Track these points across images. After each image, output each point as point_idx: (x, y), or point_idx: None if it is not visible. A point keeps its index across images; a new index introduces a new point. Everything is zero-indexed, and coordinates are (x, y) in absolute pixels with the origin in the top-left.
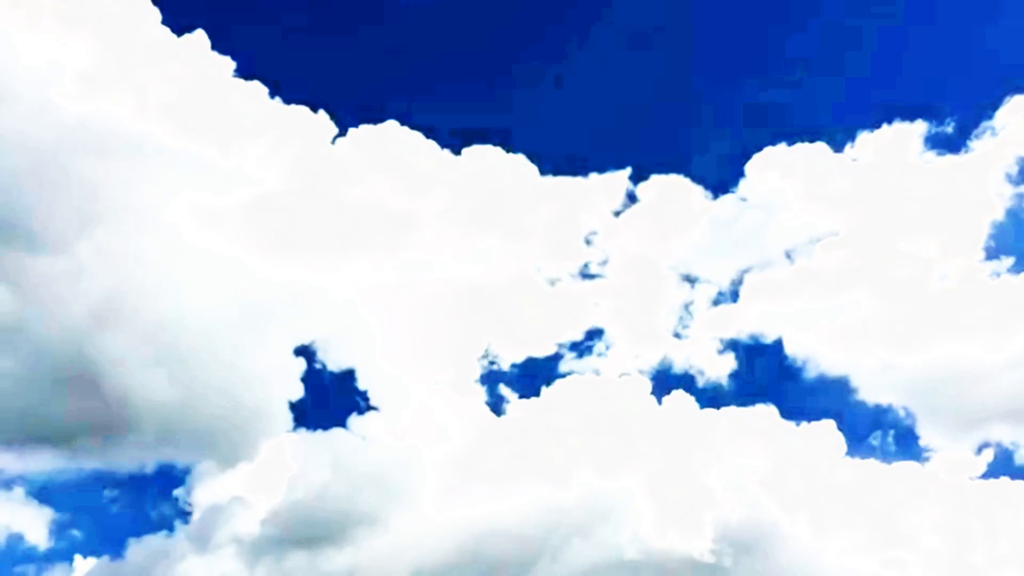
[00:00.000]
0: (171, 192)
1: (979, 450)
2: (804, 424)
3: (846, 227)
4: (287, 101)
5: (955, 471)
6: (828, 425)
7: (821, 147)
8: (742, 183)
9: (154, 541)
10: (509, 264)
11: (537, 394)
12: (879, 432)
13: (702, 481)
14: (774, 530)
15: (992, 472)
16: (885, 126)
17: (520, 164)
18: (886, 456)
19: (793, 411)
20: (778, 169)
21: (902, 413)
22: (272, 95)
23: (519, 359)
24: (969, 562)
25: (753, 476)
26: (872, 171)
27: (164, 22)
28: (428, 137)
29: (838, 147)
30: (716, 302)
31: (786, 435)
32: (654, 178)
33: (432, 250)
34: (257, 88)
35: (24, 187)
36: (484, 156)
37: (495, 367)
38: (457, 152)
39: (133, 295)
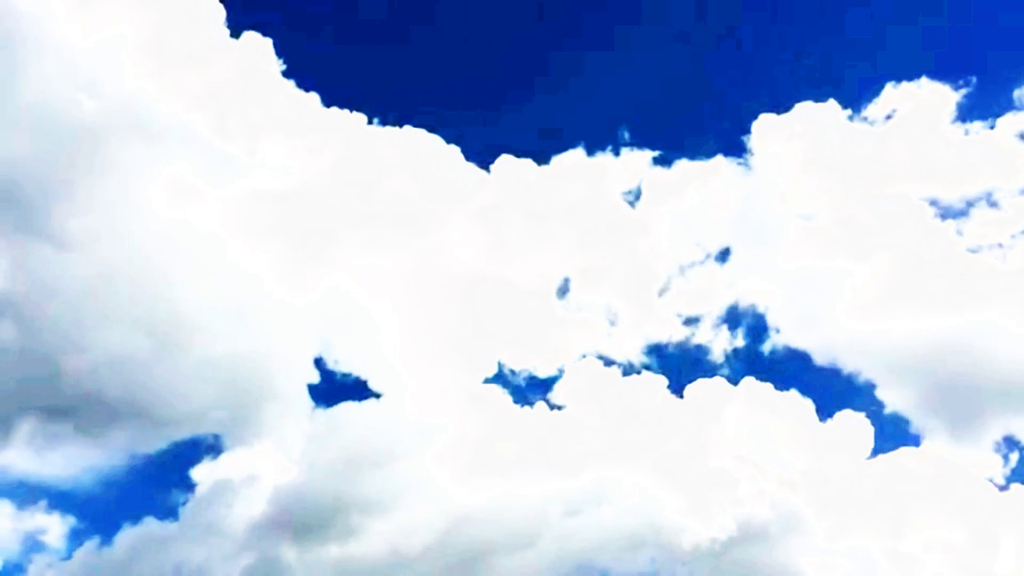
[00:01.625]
0: (194, 181)
1: (1006, 452)
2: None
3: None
4: (330, 104)
5: (972, 463)
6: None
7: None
8: (761, 148)
9: (150, 527)
10: (526, 260)
11: (551, 386)
12: (894, 415)
13: (712, 465)
14: (787, 517)
15: (1016, 473)
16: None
17: (543, 171)
18: (903, 441)
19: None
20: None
21: (919, 396)
22: (321, 99)
23: (533, 353)
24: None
25: (769, 461)
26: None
27: (227, 21)
28: (451, 142)
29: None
30: (726, 280)
31: (812, 423)
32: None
33: (451, 248)
34: (299, 89)
35: (43, 165)
36: (509, 164)
37: (509, 361)
38: (482, 160)
39: (132, 281)
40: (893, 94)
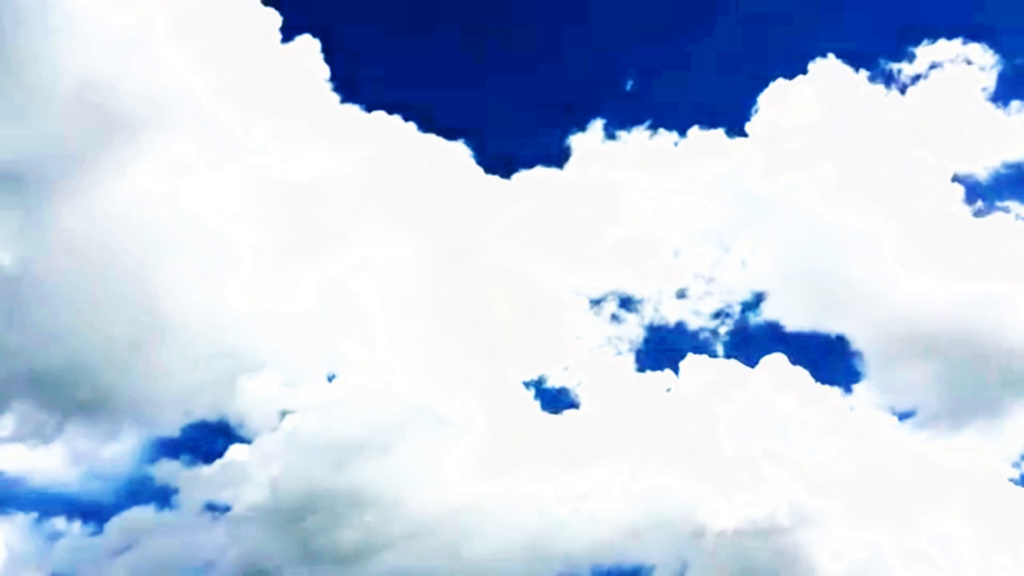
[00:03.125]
0: (211, 176)
1: None
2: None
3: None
4: (372, 109)
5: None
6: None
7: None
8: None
9: (146, 515)
10: (538, 257)
11: (561, 380)
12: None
13: (723, 451)
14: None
15: None
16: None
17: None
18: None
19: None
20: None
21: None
22: (363, 104)
23: (543, 348)
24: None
25: (782, 446)
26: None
27: (281, 26)
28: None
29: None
30: (732, 260)
31: (830, 406)
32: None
33: (464, 247)
34: (338, 93)
35: (54, 152)
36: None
37: (518, 356)
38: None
39: (137, 272)
40: (925, 54)
